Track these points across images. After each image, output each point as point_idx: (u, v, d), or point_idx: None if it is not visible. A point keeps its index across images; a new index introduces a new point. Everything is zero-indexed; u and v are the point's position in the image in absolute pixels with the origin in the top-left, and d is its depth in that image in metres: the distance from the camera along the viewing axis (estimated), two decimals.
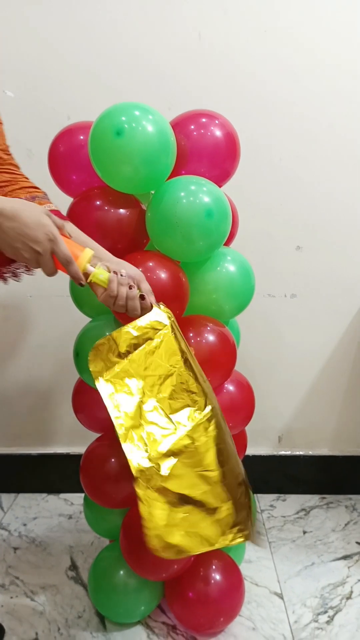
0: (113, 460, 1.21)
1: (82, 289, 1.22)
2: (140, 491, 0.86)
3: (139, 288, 0.91)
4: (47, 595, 1.41)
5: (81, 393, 1.30)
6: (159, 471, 0.88)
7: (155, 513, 0.87)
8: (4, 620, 1.32)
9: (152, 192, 1.10)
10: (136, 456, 0.87)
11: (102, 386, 0.90)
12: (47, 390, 1.82)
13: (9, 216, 0.75)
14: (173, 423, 0.91)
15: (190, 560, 1.23)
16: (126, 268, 0.91)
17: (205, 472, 0.92)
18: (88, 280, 0.87)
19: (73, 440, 1.84)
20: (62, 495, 1.87)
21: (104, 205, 1.07)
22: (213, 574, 1.24)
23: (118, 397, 0.90)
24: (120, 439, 0.87)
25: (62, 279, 1.37)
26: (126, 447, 0.87)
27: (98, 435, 1.33)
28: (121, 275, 0.88)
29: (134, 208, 1.10)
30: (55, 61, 1.52)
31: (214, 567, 1.25)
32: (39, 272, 1.39)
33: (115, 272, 0.88)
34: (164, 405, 0.92)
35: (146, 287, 0.93)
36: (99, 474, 1.22)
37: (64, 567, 1.52)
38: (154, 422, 0.90)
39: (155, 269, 1.05)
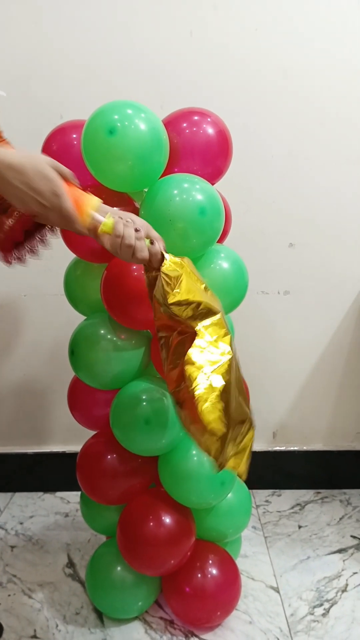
0: (109, 457, 1.22)
1: (77, 287, 1.23)
2: None
3: (148, 236, 0.90)
4: (44, 592, 1.42)
5: (76, 391, 1.31)
6: None
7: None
8: (2, 618, 1.33)
9: (145, 190, 1.11)
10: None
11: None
12: (42, 389, 1.82)
13: (15, 168, 0.75)
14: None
15: (187, 556, 1.24)
16: (132, 217, 0.90)
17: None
18: (99, 231, 0.86)
19: (68, 438, 1.84)
20: (58, 494, 1.87)
21: None
22: (209, 569, 1.25)
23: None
24: None
25: (55, 277, 1.38)
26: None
27: (93, 433, 1.33)
28: (127, 221, 0.88)
29: (127, 206, 1.11)
30: (47, 61, 1.52)
31: (210, 562, 1.26)
32: (32, 270, 1.39)
33: (120, 217, 0.88)
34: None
35: (154, 234, 0.92)
36: (95, 470, 1.23)
37: (61, 564, 1.53)
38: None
39: None
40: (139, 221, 0.91)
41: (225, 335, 0.92)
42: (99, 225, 0.85)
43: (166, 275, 0.90)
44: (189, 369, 0.88)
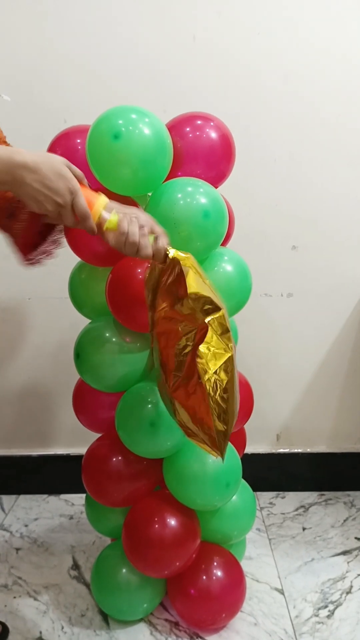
0: (115, 459, 1.22)
1: (82, 291, 1.24)
2: None
3: (152, 232, 0.91)
4: (50, 594, 1.43)
5: (82, 394, 1.31)
6: None
7: None
8: (7, 620, 1.33)
9: (149, 194, 1.11)
10: None
11: None
12: (47, 392, 1.83)
13: (31, 169, 0.76)
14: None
15: (192, 558, 1.24)
16: (137, 213, 0.91)
17: None
18: (104, 228, 0.87)
19: (73, 441, 1.85)
20: (63, 496, 1.88)
21: None
22: (214, 571, 1.25)
23: None
24: None
25: (59, 280, 1.38)
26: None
27: (98, 435, 1.34)
28: (132, 217, 0.89)
29: None
30: (51, 66, 1.53)
31: (215, 563, 1.26)
32: (37, 273, 1.40)
33: (125, 213, 0.89)
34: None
35: (159, 229, 0.92)
36: (101, 473, 1.23)
37: (66, 566, 1.53)
38: None
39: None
40: (144, 217, 0.91)
41: (227, 332, 0.93)
42: (103, 222, 0.86)
43: (184, 266, 0.91)
44: (201, 362, 0.90)
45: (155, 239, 0.91)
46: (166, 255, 0.92)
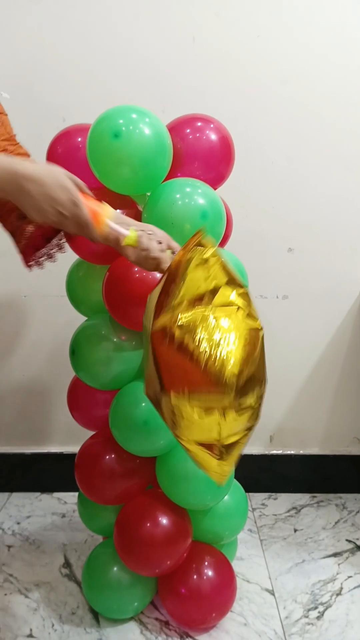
0: (108, 457, 1.23)
1: (79, 288, 1.24)
2: None
3: (169, 247, 0.94)
4: (41, 592, 1.43)
5: (76, 391, 1.32)
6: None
7: None
8: None
9: (148, 193, 1.12)
10: None
11: None
12: (41, 389, 1.83)
13: (34, 180, 0.78)
14: None
15: (183, 557, 1.24)
16: (153, 229, 0.94)
17: None
18: (122, 244, 0.89)
19: (66, 439, 1.85)
20: (56, 494, 1.88)
21: None
22: (205, 571, 1.26)
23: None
24: None
25: (56, 278, 1.39)
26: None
27: (91, 434, 1.34)
28: (149, 233, 0.92)
29: (130, 209, 1.12)
30: (50, 64, 1.53)
31: (206, 563, 1.27)
32: (33, 271, 1.41)
33: (143, 230, 0.92)
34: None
35: (175, 245, 0.95)
36: (93, 470, 1.23)
37: (58, 564, 1.53)
38: None
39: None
40: (160, 233, 0.94)
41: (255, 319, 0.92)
42: (121, 238, 0.89)
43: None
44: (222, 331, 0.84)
45: (172, 253, 0.94)
46: None
